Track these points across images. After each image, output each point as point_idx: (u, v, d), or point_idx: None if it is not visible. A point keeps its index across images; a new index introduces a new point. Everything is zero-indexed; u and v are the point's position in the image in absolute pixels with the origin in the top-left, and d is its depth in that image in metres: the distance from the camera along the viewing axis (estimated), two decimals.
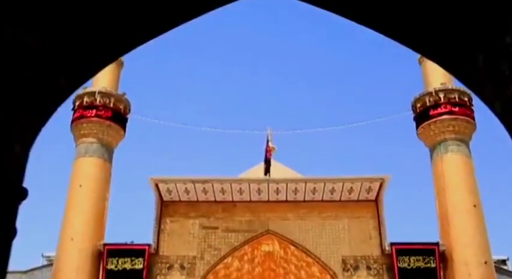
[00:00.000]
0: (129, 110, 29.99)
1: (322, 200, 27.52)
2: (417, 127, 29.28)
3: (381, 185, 26.78)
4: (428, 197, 29.11)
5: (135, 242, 27.02)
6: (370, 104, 63.60)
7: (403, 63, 67.69)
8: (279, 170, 29.57)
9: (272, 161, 29.18)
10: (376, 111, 76.35)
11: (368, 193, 27.32)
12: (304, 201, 27.50)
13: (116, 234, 42.98)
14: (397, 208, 58.22)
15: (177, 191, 27.20)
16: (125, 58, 31.15)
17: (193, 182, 26.72)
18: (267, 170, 27.83)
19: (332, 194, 27.38)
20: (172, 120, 31.95)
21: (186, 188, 27.08)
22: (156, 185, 26.85)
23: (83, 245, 25.97)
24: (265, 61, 69.99)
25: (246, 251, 27.05)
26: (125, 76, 31.55)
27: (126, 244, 26.77)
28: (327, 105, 66.66)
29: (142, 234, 67.66)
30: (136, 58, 58.64)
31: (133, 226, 54.18)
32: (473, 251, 25.47)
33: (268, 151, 28.43)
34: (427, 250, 25.91)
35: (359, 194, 27.29)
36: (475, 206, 26.63)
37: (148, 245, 26.41)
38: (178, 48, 68.62)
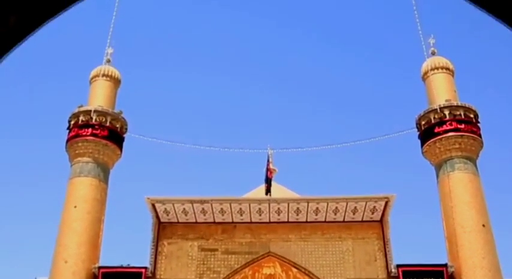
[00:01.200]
0: (126, 129, 29.20)
1: (325, 221, 26.58)
2: (422, 145, 28.45)
3: (385, 205, 25.85)
4: (435, 217, 28.02)
5: (132, 265, 25.97)
6: (373, 122, 62.27)
7: (406, 80, 66.30)
8: (280, 191, 28.68)
9: (273, 183, 28.31)
10: (380, 129, 75.19)
11: (373, 213, 26.38)
12: (307, 222, 26.55)
13: (111, 257, 41.51)
14: (403, 229, 56.59)
15: (175, 211, 26.27)
16: (122, 76, 30.54)
17: (192, 202, 25.80)
18: (268, 190, 26.94)
19: (335, 214, 26.43)
20: (170, 139, 30.89)
21: (184, 209, 26.15)
22: (153, 206, 25.92)
23: (77, 267, 24.95)
24: (265, 78, 68.68)
25: (247, 274, 26.01)
26: (122, 95, 30.85)
27: (121, 267, 25.74)
28: (329, 123, 65.13)
29: (139, 257, 65.65)
30: (135, 76, 58.09)
31: (129, 249, 52.73)
32: (483, 273, 24.44)
33: (269, 170, 27.56)
34: (435, 272, 24.86)
35: (363, 214, 26.35)
36: (484, 226, 25.67)
37: (145, 268, 25.39)
38: (176, 66, 67.46)
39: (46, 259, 26.45)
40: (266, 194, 26.77)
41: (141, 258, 30.66)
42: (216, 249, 26.16)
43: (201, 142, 48.04)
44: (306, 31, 68.05)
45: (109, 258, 31.09)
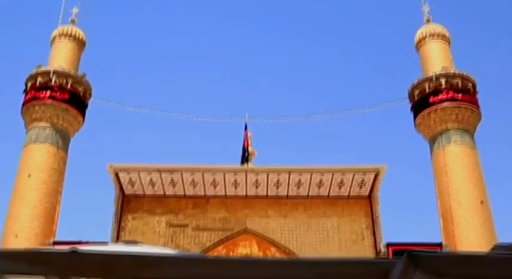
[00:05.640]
0: (90, 95, 26.45)
1: (308, 196, 24.10)
2: (415, 117, 26.03)
3: (375, 178, 23.41)
4: (428, 194, 25.48)
5: (91, 241, 23.14)
6: (364, 92, 57.58)
7: (400, 50, 61.29)
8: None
9: (251, 165, 25.68)
10: (370, 100, 71.09)
11: (360, 188, 23.91)
12: (288, 196, 24.01)
13: (69, 232, 38.17)
14: (393, 206, 52.22)
15: (141, 183, 23.60)
16: (87, 38, 27.80)
17: (159, 171, 23.13)
18: (244, 159, 24.29)
19: (319, 188, 23.92)
20: (139, 106, 28.12)
21: (151, 180, 23.47)
22: (116, 175, 23.19)
23: (29, 242, 22.16)
24: (244, 35, 62.48)
25: (220, 252, 23.32)
26: (87, 59, 28.04)
27: (79, 242, 22.81)
28: (317, 92, 60.07)
29: (100, 232, 60.32)
30: (100, 39, 53.97)
31: (90, 223, 48.50)
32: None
33: (246, 139, 24.94)
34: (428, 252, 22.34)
35: (350, 188, 23.89)
36: (482, 202, 23.39)
37: (106, 243, 22.58)
38: (146, 28, 61.85)
39: None
40: (242, 163, 24.14)
41: (102, 234, 27.71)
42: (186, 225, 23.54)
43: (174, 110, 43.47)
44: None
45: (66, 233, 28.31)
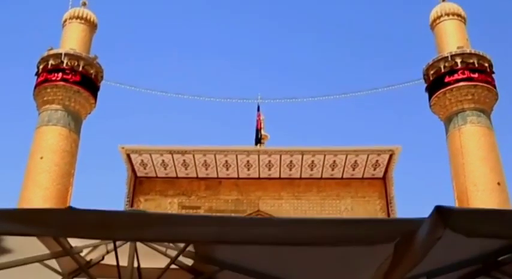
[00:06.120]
0: (102, 77, 26.28)
1: (321, 178, 23.84)
2: (430, 97, 25.59)
3: (389, 159, 23.10)
4: (443, 175, 25.15)
5: None
6: (378, 73, 56.13)
7: (415, 29, 60.11)
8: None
9: (265, 146, 25.45)
10: (384, 80, 69.76)
11: (375, 170, 23.61)
12: (301, 178, 23.76)
13: None
14: (408, 187, 51.60)
15: (153, 164, 23.44)
16: (98, 21, 27.59)
17: (171, 152, 22.96)
18: (257, 141, 24.04)
19: (333, 170, 23.65)
20: (152, 88, 27.91)
21: (163, 161, 23.31)
22: (128, 157, 23.07)
23: None
24: (257, 21, 61.52)
25: None
26: (99, 42, 27.86)
27: None
28: (330, 72, 58.56)
29: None
30: (112, 22, 53.59)
31: (102, 205, 48.53)
32: None
33: (258, 120, 24.68)
34: None
35: (364, 170, 23.59)
36: (499, 184, 22.95)
37: None
38: (159, 12, 61.47)
39: None
40: (256, 145, 23.90)
41: None
42: (199, 207, 23.37)
43: (185, 91, 43.24)
44: None
45: None
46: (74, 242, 5.11)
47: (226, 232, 3.17)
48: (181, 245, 4.94)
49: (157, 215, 3.09)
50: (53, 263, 5.41)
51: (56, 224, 3.22)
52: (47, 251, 5.05)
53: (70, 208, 3.22)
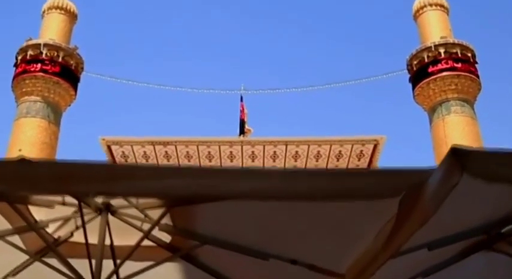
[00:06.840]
0: (82, 68, 25.88)
1: (305, 168, 23.50)
2: (413, 88, 25.49)
3: (374, 149, 22.91)
4: (427, 164, 25.03)
5: None
6: (361, 63, 56.85)
7: (398, 20, 60.85)
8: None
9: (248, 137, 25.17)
10: (368, 72, 69.60)
11: (359, 160, 23.42)
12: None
13: None
14: None
15: (134, 156, 23.05)
16: (79, 11, 27.15)
17: (153, 144, 22.61)
18: (241, 132, 23.77)
19: (317, 160, 23.43)
20: (132, 79, 27.52)
21: (144, 153, 22.95)
22: (109, 148, 22.67)
23: None
24: (238, 8, 62.05)
25: None
26: (79, 33, 27.42)
27: None
28: (313, 63, 59.02)
29: None
30: (93, 12, 52.80)
31: None
32: None
33: (242, 111, 24.41)
34: None
35: (349, 160, 23.40)
36: None
37: None
38: (140, 1, 61.54)
39: None
40: (240, 135, 23.63)
41: None
42: None
43: (168, 83, 42.94)
44: None
45: None
46: (38, 216, 4.78)
47: (210, 186, 2.82)
48: (156, 216, 4.62)
49: (123, 166, 2.75)
50: (17, 242, 5.06)
51: (5, 176, 2.89)
52: (8, 226, 4.71)
53: (23, 159, 2.90)
